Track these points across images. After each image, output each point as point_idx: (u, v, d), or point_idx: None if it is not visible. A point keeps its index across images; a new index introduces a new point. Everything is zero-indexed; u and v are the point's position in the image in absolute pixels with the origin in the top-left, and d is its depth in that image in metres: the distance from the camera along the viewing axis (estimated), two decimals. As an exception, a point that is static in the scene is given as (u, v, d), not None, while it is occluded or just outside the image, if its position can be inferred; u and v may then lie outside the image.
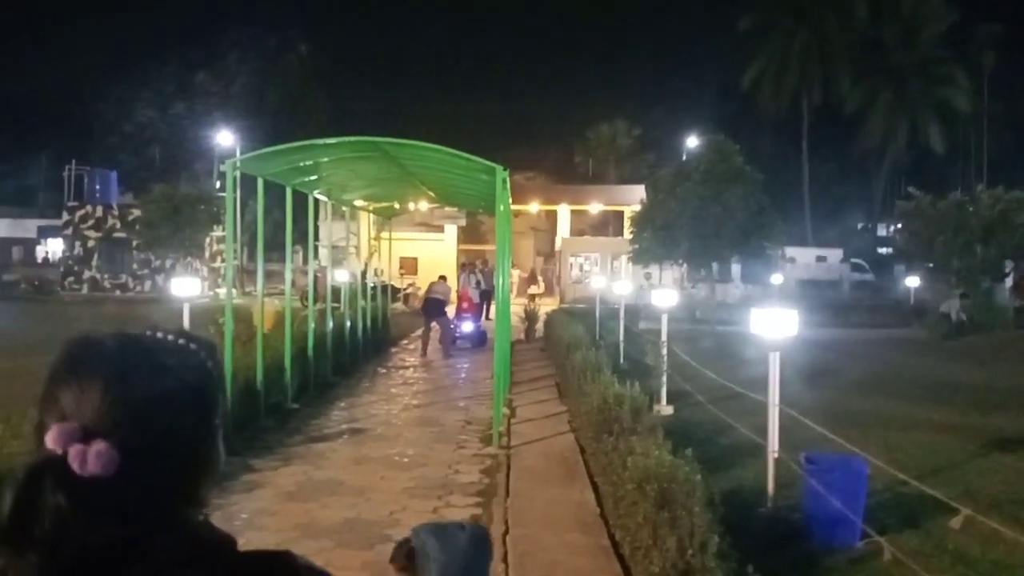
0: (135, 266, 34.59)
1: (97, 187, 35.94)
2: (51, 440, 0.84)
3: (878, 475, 5.94)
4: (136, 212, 32.93)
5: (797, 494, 5.92)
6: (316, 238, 13.96)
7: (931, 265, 24.67)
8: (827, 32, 49.21)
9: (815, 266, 42.82)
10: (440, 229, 38.65)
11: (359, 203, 15.79)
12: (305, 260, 12.49)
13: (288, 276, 13.03)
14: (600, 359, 9.38)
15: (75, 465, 0.83)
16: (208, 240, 31.85)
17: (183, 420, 0.92)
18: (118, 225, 34.36)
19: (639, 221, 22.46)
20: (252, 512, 6.21)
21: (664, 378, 10.14)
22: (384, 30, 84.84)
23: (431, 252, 36.31)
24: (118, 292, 34.02)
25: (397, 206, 18.26)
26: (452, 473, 7.41)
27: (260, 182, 9.36)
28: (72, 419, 0.86)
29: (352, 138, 8.60)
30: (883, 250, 54.58)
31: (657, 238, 20.87)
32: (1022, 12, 56.84)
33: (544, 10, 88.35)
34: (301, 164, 10.10)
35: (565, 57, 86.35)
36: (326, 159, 10.26)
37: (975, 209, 18.13)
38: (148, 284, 34.31)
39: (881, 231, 58.12)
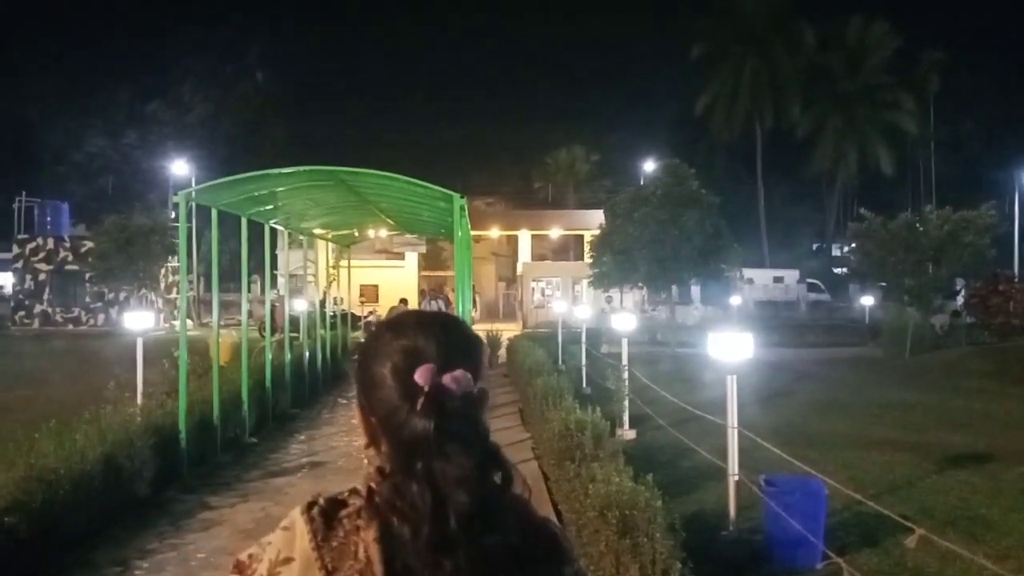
0: (88, 299, 33.83)
1: (48, 219, 35.15)
2: (422, 377, 1.04)
3: (836, 495, 5.99)
4: (88, 244, 32.24)
5: (758, 516, 5.95)
6: (274, 267, 13.83)
7: (884, 284, 25.21)
8: (776, 59, 50.41)
9: (772, 287, 43.51)
10: (400, 256, 38.57)
11: (317, 231, 15.68)
12: (263, 290, 12.34)
13: (244, 307, 12.87)
14: (562, 384, 9.37)
15: (453, 386, 1.03)
16: (163, 271, 31.31)
17: (486, 358, 1.15)
18: (70, 257, 33.62)
19: (598, 245, 22.64)
20: (209, 551, 6.06)
21: (626, 402, 10.16)
22: (341, 58, 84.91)
23: (392, 279, 36.17)
24: (71, 326, 33.22)
25: (356, 234, 18.17)
26: (414, 504, 7.31)
27: (214, 213, 9.24)
28: (429, 362, 1.06)
29: (308, 167, 8.55)
30: (838, 270, 55.66)
31: (616, 262, 21.03)
32: (964, 38, 58.88)
33: (500, 38, 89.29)
34: (257, 194, 10.01)
35: (523, 84, 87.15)
36: (282, 188, 10.17)
37: (925, 229, 18.58)
38: (102, 317, 33.56)
39: (835, 251, 59.28)
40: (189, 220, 8.49)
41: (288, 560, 1.05)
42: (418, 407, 1.04)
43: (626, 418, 10.19)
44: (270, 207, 11.08)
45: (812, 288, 45.10)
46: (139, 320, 9.88)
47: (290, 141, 42.29)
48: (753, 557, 5.57)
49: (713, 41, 50.01)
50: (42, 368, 16.85)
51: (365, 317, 30.60)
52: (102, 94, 40.37)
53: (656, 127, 54.70)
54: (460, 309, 10.56)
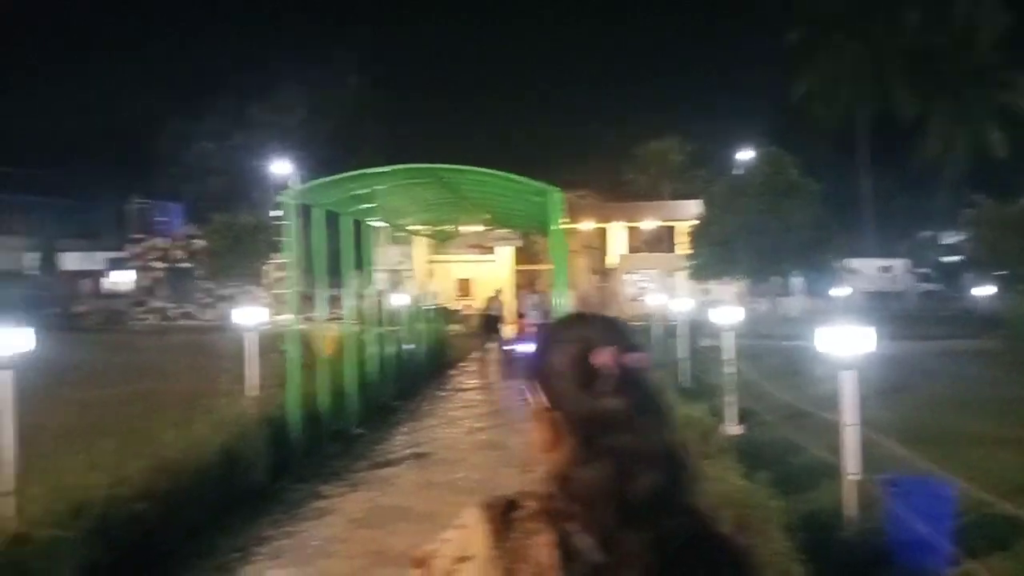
0: (199, 295, 35.44)
1: (161, 219, 37.00)
2: (606, 358, 1.10)
3: (963, 496, 5.69)
4: (199, 242, 33.76)
5: (876, 517, 5.70)
6: (371, 264, 14.13)
7: (1002, 273, 23.84)
8: (878, 42, 48.28)
9: (879, 277, 41.78)
10: (491, 250, 38.81)
11: (414, 228, 15.92)
12: (362, 286, 12.62)
13: (348, 302, 13.19)
14: (663, 379, 9.23)
15: (637, 365, 1.11)
16: (267, 268, 32.46)
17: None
18: (182, 255, 35.28)
19: (696, 236, 22.19)
20: (323, 539, 6.24)
21: (731, 397, 9.92)
22: (432, 58, 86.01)
23: (485, 273, 36.46)
24: (184, 321, 34.85)
25: (452, 229, 18.38)
26: (519, 498, 7.33)
27: (318, 212, 9.49)
28: (606, 346, 1.11)
29: (407, 166, 8.67)
30: (948, 259, 53.05)
31: (715, 253, 20.58)
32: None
33: (591, 29, 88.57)
34: (357, 192, 10.22)
35: (614, 75, 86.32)
36: (381, 186, 10.35)
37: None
38: (212, 312, 35.08)
39: (946, 239, 56.49)
40: (294, 218, 8.73)
41: (466, 558, 1.09)
42: (606, 387, 1.09)
43: (734, 413, 9.96)
44: (370, 205, 11.30)
45: (922, 278, 43.13)
46: (249, 315, 10.23)
47: (385, 140, 43.11)
48: (875, 560, 5.34)
49: (811, 25, 48.27)
50: (160, 361, 17.72)
51: (460, 311, 31.00)
52: (209, 99, 42.17)
53: (752, 115, 53.14)
54: (557, 303, 10.54)
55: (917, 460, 5.82)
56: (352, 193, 9.99)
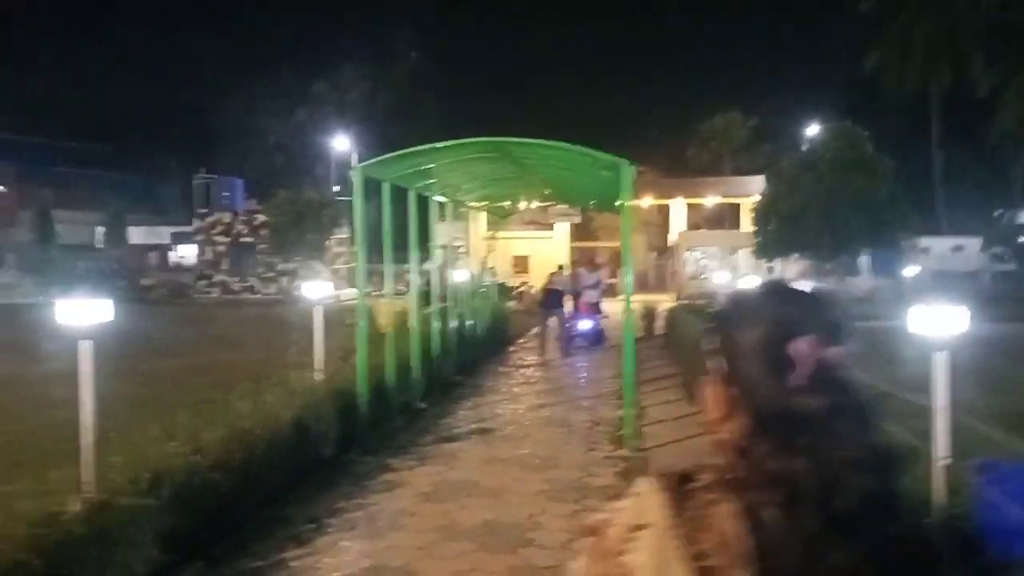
0: (261, 269, 36.09)
1: (225, 194, 37.71)
2: (807, 349, 1.04)
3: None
4: (262, 217, 34.31)
5: (966, 503, 5.46)
6: (436, 238, 14.12)
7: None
8: (953, 13, 46.34)
9: (951, 256, 40.44)
10: (550, 227, 38.63)
11: (475, 203, 15.87)
12: (423, 261, 12.61)
13: (413, 277, 13.22)
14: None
15: (841, 362, 1.05)
16: (329, 243, 32.86)
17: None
18: (245, 230, 35.93)
19: (762, 213, 21.69)
20: (393, 512, 6.25)
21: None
22: (490, 34, 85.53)
23: (542, 250, 36.32)
24: (247, 295, 35.57)
25: (511, 205, 18.26)
26: (586, 476, 7.26)
27: (386, 186, 9.47)
28: (808, 334, 1.04)
29: (475, 139, 8.58)
30: (1024, 239, 51.05)
31: (782, 230, 20.08)
32: None
33: (651, 2, 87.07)
34: (424, 167, 10.17)
35: (675, 48, 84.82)
36: (447, 161, 10.29)
37: None
38: (274, 287, 35.72)
39: (1021, 219, 54.36)
40: (362, 193, 8.72)
41: (644, 526, 1.05)
42: (806, 381, 1.02)
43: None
44: (434, 180, 11.26)
45: (996, 258, 41.59)
46: (317, 289, 10.31)
47: (444, 116, 43.16)
48: (964, 547, 5.12)
49: (880, -2, 46.53)
50: (227, 334, 18.07)
51: (518, 287, 30.97)
52: (272, 76, 42.69)
53: (818, 89, 51.86)
54: (624, 281, 10.38)
55: (1014, 444, 5.55)
56: (419, 168, 9.94)
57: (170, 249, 46.18)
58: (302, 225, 29.05)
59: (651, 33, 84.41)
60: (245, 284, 36.31)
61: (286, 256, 32.62)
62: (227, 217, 36.52)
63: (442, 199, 13.27)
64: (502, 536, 5.68)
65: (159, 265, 44.94)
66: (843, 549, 0.98)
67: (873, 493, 1.00)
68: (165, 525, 4.90)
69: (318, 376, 8.49)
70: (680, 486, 1.07)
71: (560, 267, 17.54)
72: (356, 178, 8.50)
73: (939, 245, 41.32)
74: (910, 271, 30.20)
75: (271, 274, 36.02)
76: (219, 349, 15.02)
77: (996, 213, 56.32)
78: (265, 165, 42.79)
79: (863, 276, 32.88)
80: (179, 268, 42.80)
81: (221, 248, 36.55)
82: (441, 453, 8.12)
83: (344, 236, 34.01)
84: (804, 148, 27.45)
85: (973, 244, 42.42)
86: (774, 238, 21.02)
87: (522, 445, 8.44)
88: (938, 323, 5.26)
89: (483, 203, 16.64)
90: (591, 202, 14.29)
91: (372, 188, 9.94)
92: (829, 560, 0.97)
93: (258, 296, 35.34)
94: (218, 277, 36.69)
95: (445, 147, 8.59)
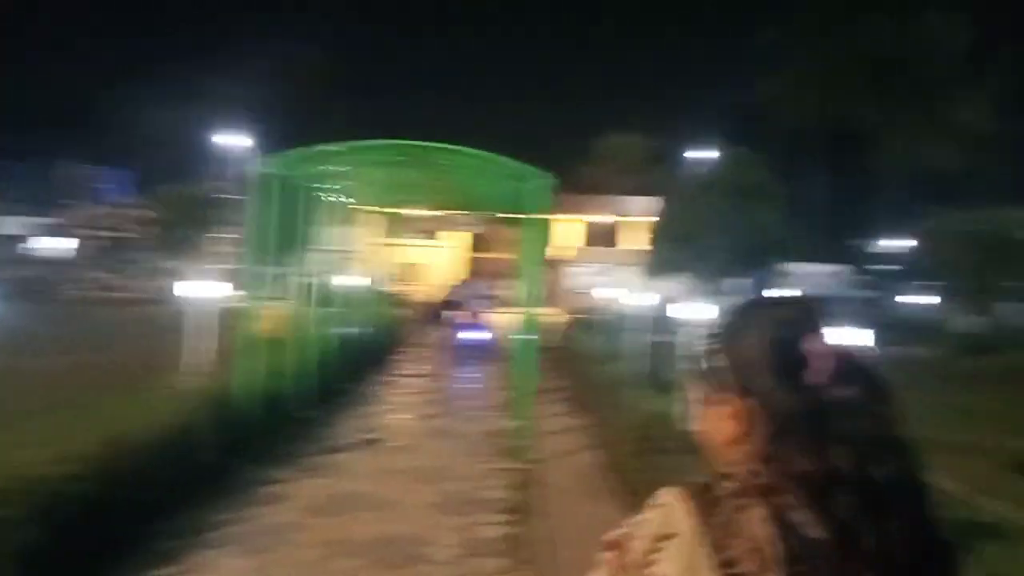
0: (141, 267, 34.35)
1: (105, 186, 35.78)
2: (819, 343, 1.08)
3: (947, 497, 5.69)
4: (145, 212, 32.72)
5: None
6: (326, 242, 13.77)
7: (945, 283, 24.39)
8: (845, 49, 49.05)
9: (821, 281, 42.60)
10: (444, 236, 38.54)
11: (376, 208, 15.60)
12: (316, 264, 12.25)
13: (304, 280, 12.83)
14: (625, 372, 9.15)
15: (855, 354, 1.09)
16: (217, 242, 31.59)
17: None
18: (127, 225, 34.16)
19: (657, 232, 22.22)
20: (279, 526, 5.98)
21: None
22: (394, 39, 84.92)
23: (435, 259, 36.16)
24: (125, 293, 33.76)
25: (411, 212, 18.06)
26: (478, 488, 7.17)
27: (277, 185, 9.15)
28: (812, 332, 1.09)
29: (387, 141, 8.38)
30: (889, 267, 54.38)
31: (674, 249, 20.63)
32: (1034, 33, 56.55)
33: (553, 21, 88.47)
34: (329, 168, 9.89)
35: (574, 68, 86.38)
36: (354, 162, 10.04)
37: (1001, 230, 17.90)
38: (154, 285, 34.05)
39: (887, 248, 57.91)
40: (262, 191, 8.39)
41: (670, 536, 1.05)
42: (826, 376, 1.05)
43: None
44: (337, 181, 10.98)
45: (863, 285, 44.11)
46: (201, 289, 9.85)
47: (345, 118, 42.34)
48: None
49: (780, 28, 48.82)
50: (99, 334, 17.04)
51: (407, 295, 30.65)
52: (163, 68, 40.91)
53: (716, 115, 53.75)
54: (525, 292, 10.38)
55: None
56: (323, 167, 9.66)
57: (24, 241, 43.10)
58: (189, 222, 27.81)
59: (555, 51, 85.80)
60: (124, 281, 34.46)
61: (170, 254, 31.19)
62: (108, 211, 34.62)
63: (342, 201, 12.96)
64: (396, 550, 5.52)
65: (29, 259, 42.03)
66: (879, 536, 0.99)
67: (907, 474, 1.04)
68: (21, 541, 4.51)
69: (200, 381, 8.10)
70: (708, 492, 1.06)
71: (458, 278, 17.42)
72: (257, 174, 8.15)
73: (812, 270, 43.46)
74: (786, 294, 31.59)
75: (151, 272, 34.32)
76: (91, 350, 14.13)
77: (861, 241, 59.84)
78: (152, 159, 40.80)
79: (736, 297, 34.28)
80: (42, 262, 40.08)
81: (99, 243, 34.58)
82: (329, 464, 7.86)
83: (233, 236, 32.84)
84: (701, 171, 28.36)
85: (842, 271, 44.85)
86: (666, 257, 21.58)
87: (414, 456, 8.27)
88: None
89: (384, 208, 16.38)
90: (500, 212, 14.24)
91: (266, 187, 9.55)
92: (863, 549, 0.99)
93: (136, 295, 33.61)
94: (94, 274, 34.68)
95: (355, 147, 8.36)
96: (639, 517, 1.11)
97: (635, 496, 6.52)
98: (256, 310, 11.34)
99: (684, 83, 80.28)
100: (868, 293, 43.07)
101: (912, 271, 35.64)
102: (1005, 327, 18.55)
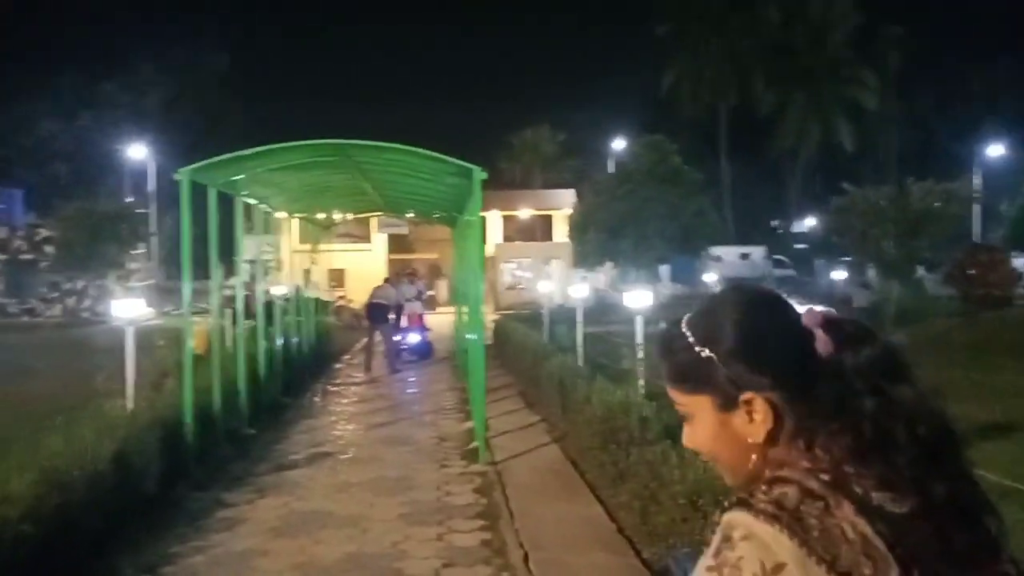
0: (44, 289, 32.57)
1: (0, 206, 33.77)
2: (813, 316, 1.07)
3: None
4: (43, 232, 31.05)
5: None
6: (250, 251, 13.26)
7: (848, 259, 25.28)
8: (740, 37, 50.46)
9: (740, 264, 43.67)
10: (367, 239, 37.91)
11: (300, 214, 15.13)
12: (240, 275, 11.73)
13: (229, 292, 12.33)
14: (579, 367, 9.06)
15: (845, 320, 1.09)
16: (128, 258, 30.21)
17: None
18: (24, 247, 32.31)
19: (579, 224, 22.32)
20: (240, 552, 5.63)
21: (641, 382, 9.88)
22: (300, 41, 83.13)
23: (359, 263, 35.50)
24: (26, 317, 31.94)
25: (335, 215, 17.60)
26: (444, 495, 6.95)
27: (212, 192, 8.71)
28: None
29: (315, 141, 8.05)
30: (799, 246, 56.27)
31: (599, 240, 20.76)
32: (923, 14, 59.44)
33: (459, 16, 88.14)
34: (251, 173, 9.47)
35: (485, 62, 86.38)
36: (275, 166, 9.65)
37: (907, 201, 18.62)
38: (59, 307, 32.38)
39: (796, 228, 59.91)
40: (188, 201, 7.94)
41: (780, 566, 0.94)
42: (834, 345, 1.03)
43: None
44: (263, 187, 10.55)
45: (778, 264, 45.43)
46: (128, 308, 9.29)
47: (251, 126, 41.14)
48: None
49: (676, 19, 49.90)
50: (11, 361, 16.01)
51: (335, 302, 29.99)
52: (54, 76, 38.67)
53: (623, 106, 54.52)
54: (469, 293, 10.20)
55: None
56: (244, 173, 9.23)
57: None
58: (95, 240, 26.43)
59: (463, 45, 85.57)
60: (24, 306, 32.61)
61: (73, 274, 29.63)
62: (2, 232, 32.66)
63: (264, 208, 12.48)
64: (368, 569, 5.26)
65: None
66: (947, 487, 0.97)
67: (943, 421, 1.02)
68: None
69: (132, 404, 7.62)
70: (781, 507, 0.97)
71: (386, 280, 17.01)
72: (183, 182, 7.71)
73: (728, 253, 44.52)
74: (710, 278, 32.31)
75: (55, 294, 32.61)
76: (8, 378, 13.23)
77: (774, 223, 61.80)
78: (44, 175, 38.62)
79: (663, 284, 34.82)
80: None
81: (-7, 265, 32.62)
82: (282, 482, 7.49)
83: (141, 251, 31.48)
84: (616, 161, 28.64)
85: (758, 252, 46.08)
86: (592, 248, 21.69)
87: (370, 467, 7.98)
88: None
89: (308, 213, 15.89)
90: (432, 211, 13.97)
91: (172, 197, 9.03)
92: (937, 504, 0.96)
93: (40, 319, 31.87)
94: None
95: (275, 150, 7.99)
96: (729, 557, 0.97)
97: (605, 491, 6.42)
98: (180, 326, 10.78)
99: (592, 75, 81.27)
100: (783, 272, 44.38)
101: (826, 248, 36.85)
102: (925, 296, 19.43)
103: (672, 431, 7.05)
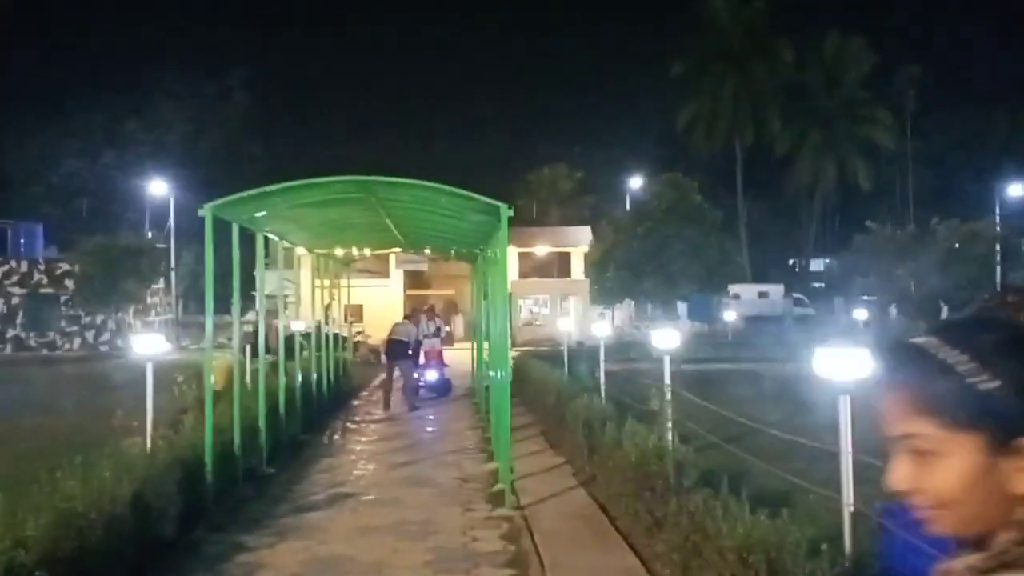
0: (63, 323, 32.69)
1: (22, 240, 34.03)
2: None
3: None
4: (64, 266, 31.24)
5: (873, 548, 5.42)
6: (272, 287, 13.20)
7: (869, 298, 24.97)
8: (755, 76, 50.68)
9: (758, 302, 43.35)
10: (386, 275, 37.90)
11: (321, 250, 15.07)
12: (262, 310, 11.62)
13: (250, 328, 12.22)
14: (606, 408, 8.83)
15: None
16: (149, 293, 30.30)
17: None
18: (45, 280, 32.47)
19: (598, 261, 22.17)
20: (261, 601, 5.42)
21: (670, 424, 9.62)
22: (318, 77, 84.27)
23: (377, 298, 35.45)
24: (45, 351, 32.02)
25: (361, 252, 17.52)
26: (470, 541, 6.71)
27: (235, 228, 8.64)
28: None
29: (340, 178, 7.98)
30: (817, 284, 55.89)
31: (619, 277, 20.58)
32: (939, 53, 59.67)
33: (480, 55, 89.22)
34: (274, 209, 9.40)
35: (504, 101, 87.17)
36: (298, 202, 9.57)
37: (932, 241, 18.40)
38: (78, 341, 32.45)
39: (815, 266, 59.60)
40: (212, 236, 7.85)
41: None
42: None
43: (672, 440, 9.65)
44: (284, 224, 10.47)
45: (797, 303, 45.04)
46: (147, 343, 9.18)
47: (269, 162, 41.50)
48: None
49: (693, 58, 50.22)
50: (31, 396, 15.92)
51: (353, 337, 29.87)
52: (79, 114, 39.21)
53: (639, 144, 54.81)
54: (490, 330, 10.04)
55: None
56: (267, 209, 9.16)
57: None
58: (115, 274, 26.52)
59: (481, 85, 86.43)
60: (44, 339, 32.71)
61: (94, 308, 29.70)
62: (23, 265, 32.87)
63: (287, 244, 12.42)
64: (395, 621, 5.03)
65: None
66: None
67: None
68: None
69: (152, 443, 7.46)
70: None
71: (407, 317, 16.85)
72: (207, 218, 7.62)
73: (747, 292, 44.21)
74: (729, 316, 31.99)
75: (74, 327, 32.72)
76: (27, 414, 13.11)
77: (791, 261, 61.50)
78: (67, 210, 39.00)
79: (681, 321, 34.53)
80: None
81: (16, 300, 32.78)
82: (302, 525, 7.28)
83: (160, 286, 31.57)
84: (632, 199, 28.60)
85: (776, 291, 45.76)
86: (611, 285, 21.51)
87: (392, 510, 7.75)
88: (842, 366, 5.21)
89: (328, 248, 15.82)
90: (454, 248, 13.87)
91: (191, 233, 9.01)
92: None
93: (59, 352, 31.94)
94: (11, 332, 32.83)
95: (307, 185, 7.92)
96: None
97: (639, 540, 6.17)
98: (202, 362, 10.64)
99: (609, 114, 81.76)
100: (802, 310, 43.99)
101: (843, 287, 36.53)
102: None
103: (708, 478, 6.82)
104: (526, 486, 8.47)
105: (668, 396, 9.53)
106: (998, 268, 39.30)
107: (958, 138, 55.42)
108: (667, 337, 9.83)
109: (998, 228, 18.38)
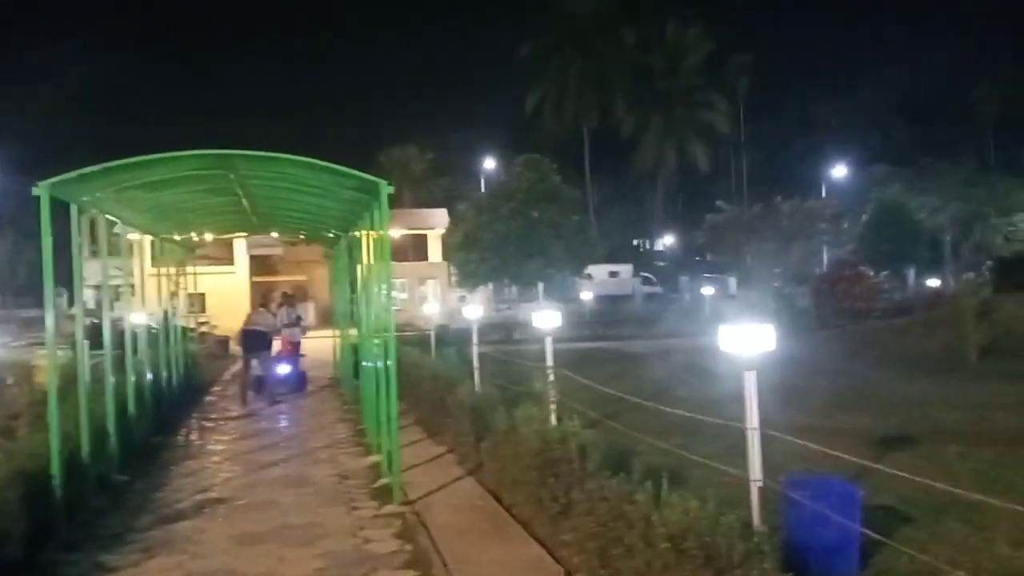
0: None
1: None
2: None
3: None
4: None
5: (780, 523, 5.46)
6: (112, 276, 12.02)
7: (710, 275, 26.16)
8: (601, 60, 51.87)
9: (609, 282, 44.56)
10: (229, 261, 36.07)
11: (166, 234, 13.93)
12: (71, 303, 10.49)
13: (88, 321, 11.09)
14: (494, 393, 8.59)
15: None
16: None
17: None
18: None
19: (463, 243, 21.90)
20: (136, 631, 4.79)
21: (553, 405, 9.50)
22: (154, 53, 78.94)
23: (221, 287, 33.63)
24: None
25: (201, 236, 16.33)
26: (363, 543, 6.28)
27: (74, 209, 7.69)
28: None
29: (196, 152, 7.21)
30: (661, 263, 58.22)
31: (484, 259, 20.41)
32: (770, 42, 63.17)
33: (329, 34, 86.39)
34: (118, 189, 8.46)
35: (353, 81, 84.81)
36: (148, 181, 8.66)
37: (776, 219, 19.36)
38: None
39: (659, 246, 62.06)
40: (50, 218, 6.93)
41: None
42: None
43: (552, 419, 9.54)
44: (128, 206, 9.50)
45: (645, 281, 46.68)
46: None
47: (101, 143, 38.26)
48: (784, 566, 5.07)
49: (541, 40, 50.73)
50: None
51: (197, 328, 28.13)
52: None
53: (491, 126, 54.93)
54: (376, 313, 9.57)
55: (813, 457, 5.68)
56: (110, 190, 8.23)
57: None
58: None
59: (333, 62, 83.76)
60: None
61: None
62: None
63: (130, 228, 11.31)
64: (296, 639, 4.57)
65: None
66: None
67: None
68: None
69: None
70: None
71: (262, 305, 15.85)
72: (43, 197, 6.70)
73: (598, 272, 45.36)
74: (586, 295, 32.61)
75: None
76: None
77: (635, 242, 63.72)
78: None
79: (538, 302, 34.92)
80: None
81: None
82: (170, 538, 6.58)
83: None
84: (487, 180, 28.50)
85: (626, 270, 47.22)
86: (474, 268, 21.32)
87: (269, 514, 7.16)
88: (747, 342, 5.17)
89: (175, 233, 14.63)
90: (319, 230, 13.15)
91: (6, 218, 7.99)
92: None
93: None
94: None
95: (162, 159, 7.11)
96: None
97: (542, 529, 5.96)
98: (28, 361, 9.54)
99: (456, 96, 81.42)
100: (650, 289, 45.62)
101: (688, 264, 38.16)
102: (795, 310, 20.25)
103: (612, 462, 6.69)
104: (411, 479, 8.08)
105: (551, 377, 9.43)
106: (824, 246, 42.36)
107: (786, 124, 59.13)
108: (548, 317, 9.69)
109: (833, 208, 19.52)
